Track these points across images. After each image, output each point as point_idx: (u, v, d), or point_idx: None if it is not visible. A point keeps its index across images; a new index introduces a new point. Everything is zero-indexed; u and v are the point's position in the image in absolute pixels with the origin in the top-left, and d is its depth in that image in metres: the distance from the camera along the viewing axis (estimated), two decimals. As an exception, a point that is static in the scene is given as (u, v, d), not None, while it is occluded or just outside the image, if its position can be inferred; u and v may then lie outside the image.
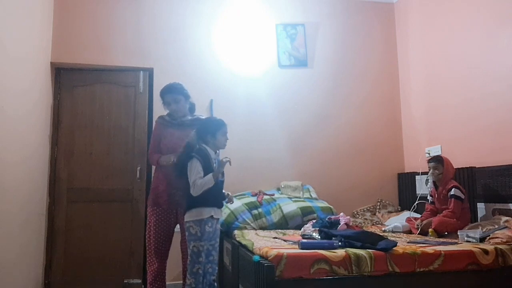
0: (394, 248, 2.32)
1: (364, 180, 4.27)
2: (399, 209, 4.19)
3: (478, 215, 3.23)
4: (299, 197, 3.85)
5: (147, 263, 2.86)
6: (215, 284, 2.60)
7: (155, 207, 2.83)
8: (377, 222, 3.92)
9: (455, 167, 3.27)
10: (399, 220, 3.52)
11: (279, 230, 3.43)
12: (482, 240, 2.65)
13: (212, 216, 2.55)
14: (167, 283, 2.86)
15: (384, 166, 4.35)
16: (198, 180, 2.50)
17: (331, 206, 3.75)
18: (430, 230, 3.05)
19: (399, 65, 4.52)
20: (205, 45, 4.14)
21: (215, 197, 2.62)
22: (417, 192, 3.87)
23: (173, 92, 2.93)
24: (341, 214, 3.22)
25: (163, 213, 2.83)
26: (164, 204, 2.83)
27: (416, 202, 3.56)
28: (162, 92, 2.95)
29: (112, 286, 3.70)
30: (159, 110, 3.16)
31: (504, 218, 2.90)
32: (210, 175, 2.51)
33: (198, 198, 2.54)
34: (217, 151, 2.72)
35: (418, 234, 3.13)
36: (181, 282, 2.90)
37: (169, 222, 2.85)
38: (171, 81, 3.92)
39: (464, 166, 3.35)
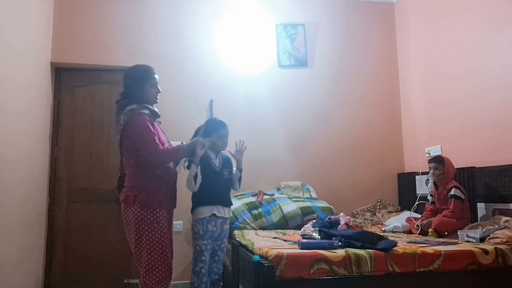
0: (394, 248, 2.32)
1: (364, 180, 4.27)
2: (399, 209, 4.19)
3: (478, 215, 3.23)
4: (299, 197, 3.85)
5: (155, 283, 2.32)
6: (220, 283, 2.62)
7: (158, 209, 2.37)
8: (377, 222, 3.92)
9: (455, 167, 3.26)
10: (399, 220, 3.52)
11: (279, 230, 3.43)
12: (482, 240, 2.65)
13: (215, 215, 2.56)
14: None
15: (384, 166, 4.35)
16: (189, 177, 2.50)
17: (331, 206, 3.75)
18: (430, 230, 3.05)
19: (399, 65, 4.52)
20: (206, 45, 4.14)
21: (218, 195, 2.63)
22: (417, 192, 3.87)
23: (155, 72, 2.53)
24: (341, 214, 3.22)
25: (168, 215, 2.50)
26: (170, 205, 2.51)
27: (416, 202, 3.56)
28: (150, 71, 2.48)
29: (112, 286, 3.70)
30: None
31: (504, 218, 2.90)
32: (192, 167, 2.49)
33: (201, 197, 2.56)
34: (220, 152, 2.72)
35: (418, 234, 3.13)
36: (186, 282, 2.87)
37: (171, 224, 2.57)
38: (172, 81, 3.90)
39: (464, 166, 3.35)
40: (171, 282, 2.39)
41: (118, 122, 2.42)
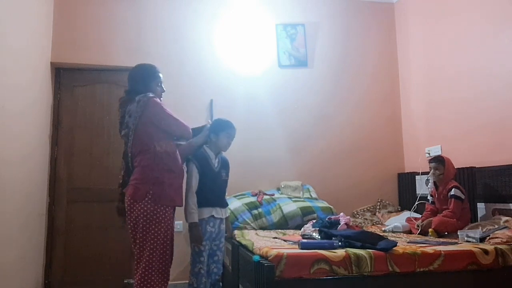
0: (394, 248, 2.32)
1: (364, 180, 4.27)
2: (399, 209, 4.19)
3: (478, 215, 3.23)
4: (299, 197, 3.85)
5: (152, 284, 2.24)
6: (220, 283, 2.62)
7: (170, 206, 2.33)
8: (377, 222, 3.92)
9: (455, 167, 3.26)
10: (399, 220, 3.52)
11: (279, 230, 3.43)
12: (482, 240, 2.65)
13: (213, 216, 2.57)
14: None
15: (384, 166, 4.35)
16: (189, 200, 2.51)
17: (331, 206, 3.75)
18: (430, 230, 3.05)
19: (399, 65, 4.52)
20: (206, 45, 4.15)
21: (216, 196, 2.63)
22: (417, 192, 3.87)
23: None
24: (341, 214, 3.22)
25: (173, 214, 2.40)
26: (179, 202, 2.42)
27: (416, 202, 3.56)
28: (156, 69, 2.50)
29: (112, 286, 3.70)
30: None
31: (504, 218, 2.90)
32: (195, 219, 2.49)
33: (200, 197, 2.56)
34: (219, 152, 2.71)
35: (418, 234, 3.13)
36: (185, 282, 2.87)
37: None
38: (172, 81, 3.89)
39: (464, 166, 3.35)
40: (173, 282, 2.36)
41: (129, 113, 2.35)
